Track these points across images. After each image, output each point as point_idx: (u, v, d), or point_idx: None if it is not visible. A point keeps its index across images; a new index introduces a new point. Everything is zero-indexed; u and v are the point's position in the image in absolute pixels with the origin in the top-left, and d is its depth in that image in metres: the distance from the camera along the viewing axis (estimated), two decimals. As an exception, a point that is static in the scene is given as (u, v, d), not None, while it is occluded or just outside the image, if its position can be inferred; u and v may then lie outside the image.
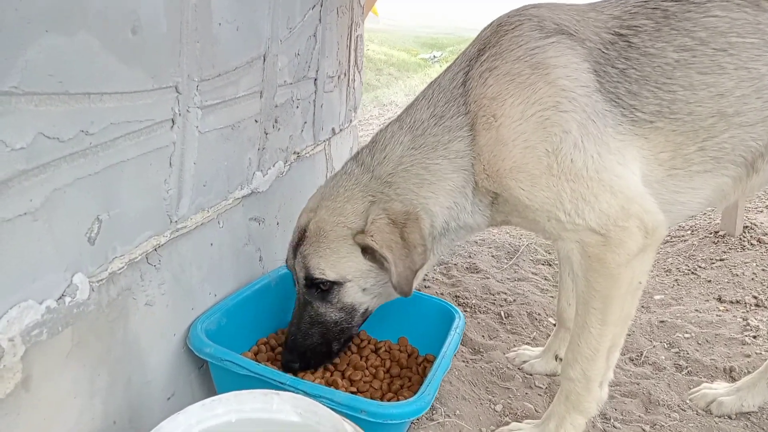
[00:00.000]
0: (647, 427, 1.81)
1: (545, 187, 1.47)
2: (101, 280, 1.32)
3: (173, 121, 1.51)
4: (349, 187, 1.67)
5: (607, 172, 1.44)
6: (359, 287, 1.69)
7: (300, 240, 1.70)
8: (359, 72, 3.32)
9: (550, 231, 1.54)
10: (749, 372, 1.99)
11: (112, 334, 1.40)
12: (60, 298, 1.19)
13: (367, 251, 1.62)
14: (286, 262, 1.79)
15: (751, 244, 2.98)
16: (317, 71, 2.51)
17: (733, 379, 2.03)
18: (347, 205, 1.65)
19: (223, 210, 1.85)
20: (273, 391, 1.39)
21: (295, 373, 1.70)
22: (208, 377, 1.79)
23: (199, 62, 1.60)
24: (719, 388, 1.96)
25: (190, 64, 1.56)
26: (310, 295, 1.72)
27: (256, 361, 1.76)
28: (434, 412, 1.83)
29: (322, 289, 1.68)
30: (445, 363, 1.67)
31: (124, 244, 1.39)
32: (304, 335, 1.74)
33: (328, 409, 1.32)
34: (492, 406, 1.92)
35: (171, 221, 1.57)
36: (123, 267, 1.39)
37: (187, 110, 1.57)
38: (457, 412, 1.84)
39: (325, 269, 1.64)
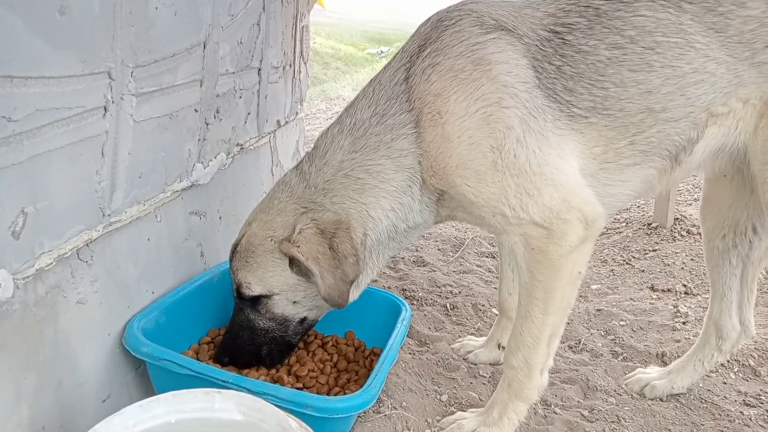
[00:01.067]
0: (586, 412, 1.88)
1: (491, 183, 1.49)
2: (27, 277, 1.24)
3: (105, 109, 1.43)
4: (283, 199, 1.66)
5: (548, 166, 1.48)
6: (288, 300, 1.70)
7: (233, 253, 1.72)
8: (305, 64, 3.26)
9: (495, 225, 1.56)
10: (679, 356, 2.09)
11: (40, 335, 1.32)
12: (-21, 296, 1.11)
13: (294, 263, 1.61)
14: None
15: (681, 235, 3.15)
16: (261, 61, 2.45)
17: (665, 364, 2.13)
18: (278, 218, 1.64)
19: (160, 203, 1.78)
20: (215, 389, 1.34)
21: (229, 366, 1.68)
22: (147, 378, 1.71)
23: (134, 47, 1.52)
24: (652, 372, 2.06)
25: (124, 48, 1.48)
26: (243, 304, 1.74)
27: (197, 359, 1.70)
28: (381, 404, 1.83)
29: (252, 300, 1.70)
30: (391, 355, 1.67)
31: (53, 239, 1.31)
32: (235, 337, 1.75)
33: (273, 406, 1.29)
34: (438, 396, 1.94)
35: (104, 215, 1.49)
36: (51, 263, 1.31)
37: (121, 98, 1.49)
38: (404, 403, 1.85)
39: (251, 283, 1.66)
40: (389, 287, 2.74)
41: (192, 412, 1.31)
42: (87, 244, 1.45)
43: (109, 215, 1.51)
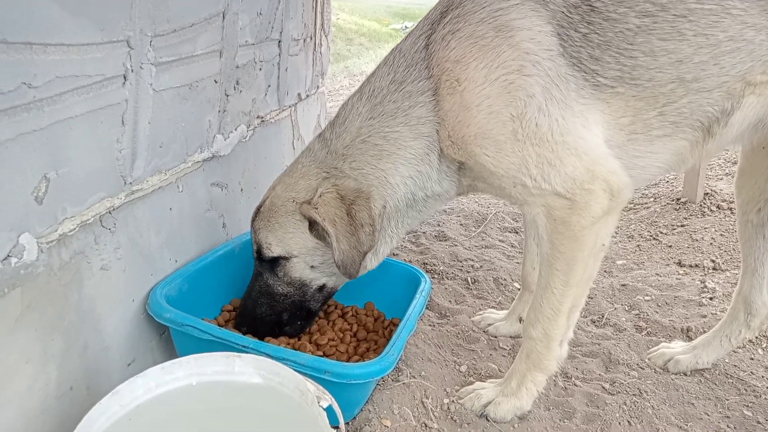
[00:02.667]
0: (607, 385, 1.86)
1: (511, 153, 1.45)
2: (51, 241, 1.27)
3: (125, 78, 1.44)
4: (306, 164, 1.67)
5: (571, 135, 1.44)
6: (306, 264, 1.71)
7: (255, 214, 1.74)
8: (326, 37, 3.23)
9: (515, 196, 1.53)
10: (705, 331, 2.05)
11: (65, 299, 1.35)
12: (5, 258, 1.14)
13: (313, 227, 1.62)
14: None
15: (711, 210, 3.06)
16: (281, 33, 2.44)
17: (690, 339, 2.09)
18: (301, 181, 1.66)
19: (182, 173, 1.80)
20: (235, 354, 1.37)
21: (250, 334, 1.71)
22: (170, 344, 1.75)
23: (153, 16, 1.52)
24: (676, 347, 2.02)
25: (142, 17, 1.48)
26: (262, 267, 1.76)
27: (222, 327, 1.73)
28: (400, 373, 1.84)
29: (271, 262, 1.71)
30: (410, 324, 1.68)
31: (75, 205, 1.33)
32: (254, 303, 1.77)
33: (291, 370, 1.31)
34: (457, 367, 1.94)
35: (125, 183, 1.51)
36: (74, 229, 1.34)
37: (140, 66, 1.50)
38: (423, 373, 1.85)
39: (272, 244, 1.68)
40: (410, 261, 2.74)
41: (213, 375, 1.34)
42: (109, 212, 1.48)
43: (130, 183, 1.53)
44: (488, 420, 1.67)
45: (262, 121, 2.37)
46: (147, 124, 1.56)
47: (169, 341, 1.75)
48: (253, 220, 1.73)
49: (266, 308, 1.76)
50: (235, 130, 2.11)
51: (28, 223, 1.19)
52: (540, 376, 1.67)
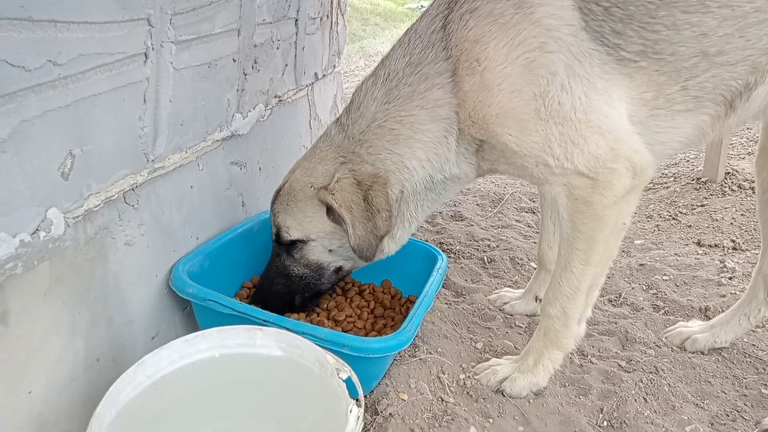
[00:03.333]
0: (623, 363, 1.87)
1: (533, 132, 1.44)
2: (77, 216, 1.30)
3: (146, 56, 1.46)
4: (324, 149, 1.68)
5: (595, 113, 1.42)
6: (324, 247, 1.73)
7: (275, 197, 1.76)
8: (342, 16, 3.21)
9: (537, 176, 1.52)
10: (723, 311, 2.04)
11: (91, 273, 1.39)
12: (34, 232, 1.17)
13: (330, 211, 1.63)
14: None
15: (732, 189, 3.02)
16: (298, 11, 2.43)
17: (708, 318, 2.08)
18: (319, 166, 1.67)
19: (202, 152, 1.82)
20: (256, 327, 1.40)
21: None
22: (192, 319, 1.79)
23: (173, -6, 1.53)
24: (694, 326, 2.01)
25: (162, -5, 1.49)
26: (280, 249, 1.79)
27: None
28: (417, 349, 1.86)
29: (289, 245, 1.74)
30: (426, 301, 1.69)
31: (100, 182, 1.36)
32: (270, 282, 1.81)
33: (311, 343, 1.34)
34: (473, 344, 1.96)
35: (148, 160, 1.54)
36: (99, 205, 1.37)
37: (161, 45, 1.51)
38: (439, 349, 1.88)
39: (290, 227, 1.70)
40: (427, 241, 2.75)
41: (235, 348, 1.38)
42: (133, 189, 1.51)
43: (152, 161, 1.56)
44: (503, 395, 1.69)
45: (280, 100, 2.38)
46: (168, 102, 1.58)
47: (191, 316, 1.79)
48: (273, 203, 1.76)
49: (282, 287, 1.79)
50: (254, 109, 2.12)
51: (55, 198, 1.22)
52: (557, 353, 1.68)
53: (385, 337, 1.49)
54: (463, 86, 1.49)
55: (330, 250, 1.75)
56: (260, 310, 1.59)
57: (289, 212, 1.70)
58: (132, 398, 1.25)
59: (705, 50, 1.41)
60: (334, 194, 1.57)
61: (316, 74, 2.81)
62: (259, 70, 2.13)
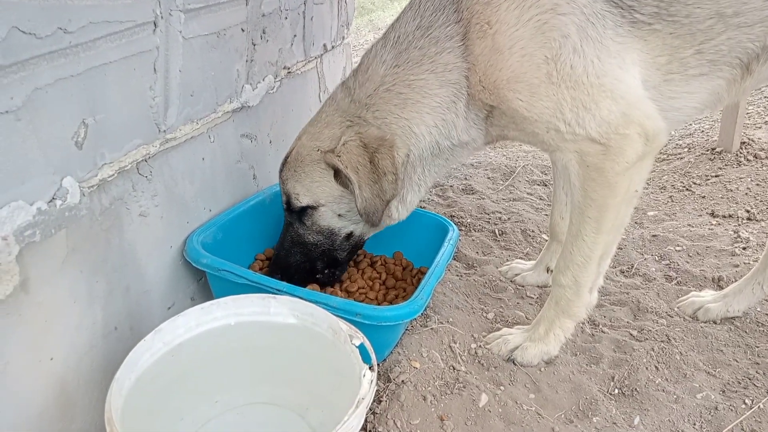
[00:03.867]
0: (635, 332, 1.87)
1: (545, 97, 1.41)
2: (92, 186, 1.31)
3: (155, 24, 1.45)
4: (330, 113, 1.67)
5: (607, 76, 1.39)
6: (333, 212, 1.72)
7: (283, 165, 1.74)
8: (351, -14, 3.16)
9: (548, 142, 1.50)
10: (737, 281, 2.03)
11: (107, 243, 1.40)
12: (51, 201, 1.18)
13: (338, 175, 1.63)
14: None
15: (748, 159, 2.97)
16: (306, -19, 2.39)
17: (721, 288, 2.07)
18: (325, 130, 1.65)
19: (212, 124, 1.81)
20: (270, 295, 1.41)
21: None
22: (208, 290, 1.81)
23: (180, -39, 1.51)
24: (706, 295, 2.01)
25: (170, -37, 1.47)
26: (291, 218, 1.78)
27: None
28: (428, 319, 1.87)
29: (300, 212, 1.73)
30: (438, 271, 1.70)
31: (113, 151, 1.37)
32: (286, 253, 1.80)
33: (324, 311, 1.36)
34: (484, 314, 1.97)
35: (159, 130, 1.54)
36: (113, 175, 1.38)
37: (170, 13, 1.50)
38: (450, 319, 1.89)
39: (299, 193, 1.70)
40: (437, 213, 2.75)
41: (249, 316, 1.40)
42: (146, 160, 1.51)
43: (164, 131, 1.56)
44: (515, 364, 1.71)
45: (289, 72, 2.36)
46: (178, 72, 1.57)
47: (207, 287, 1.81)
48: (281, 170, 1.75)
49: (298, 257, 1.79)
50: (263, 80, 2.11)
51: (70, 167, 1.23)
52: (568, 322, 1.69)
53: (398, 305, 1.50)
54: (474, 50, 1.47)
55: (339, 215, 1.74)
56: (274, 279, 1.60)
57: (297, 178, 1.69)
58: (150, 364, 1.28)
59: (721, 11, 1.37)
60: (340, 156, 1.57)
61: (324, 46, 2.78)
62: (267, 41, 2.11)
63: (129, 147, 1.42)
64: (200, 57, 1.67)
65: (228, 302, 1.39)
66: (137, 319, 1.55)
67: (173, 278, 1.69)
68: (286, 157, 1.75)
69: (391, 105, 1.58)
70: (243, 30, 1.91)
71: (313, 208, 1.72)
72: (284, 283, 1.58)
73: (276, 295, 1.40)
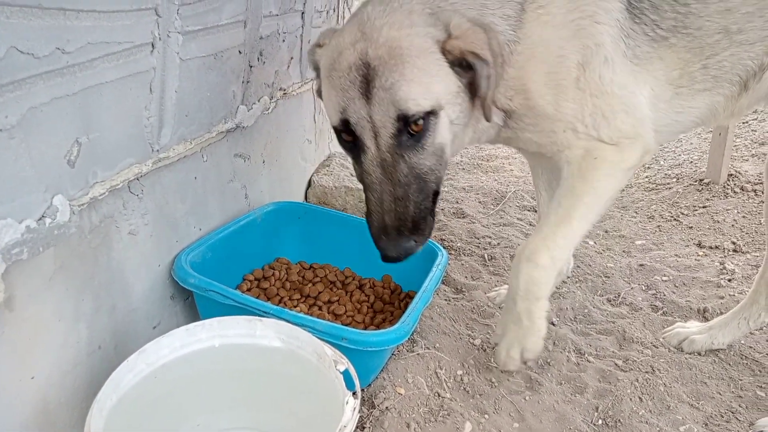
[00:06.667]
0: (620, 362, 1.88)
1: (571, 99, 1.46)
2: (82, 204, 1.31)
3: (153, 45, 1.47)
4: (405, 2, 1.40)
5: (626, 90, 1.46)
6: (448, 119, 1.41)
7: (368, 77, 1.32)
8: (349, 9, 3.22)
9: (561, 141, 1.53)
10: (722, 313, 2.04)
11: (95, 261, 1.40)
12: (40, 218, 1.18)
13: (457, 64, 1.36)
14: (348, 121, 1.38)
15: (734, 191, 3.02)
16: (305, 4, 2.43)
17: (706, 319, 2.09)
18: (412, 16, 1.36)
19: (206, 143, 1.83)
20: (256, 318, 1.41)
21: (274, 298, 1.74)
22: (194, 309, 1.81)
23: (180, -15, 1.54)
24: (692, 326, 2.02)
25: (170, -14, 1.50)
26: (401, 146, 1.37)
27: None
28: (415, 344, 1.87)
29: (413, 130, 1.36)
30: (425, 296, 1.71)
31: (105, 170, 1.37)
32: (402, 196, 1.39)
33: (309, 335, 1.36)
34: (471, 340, 1.97)
35: (153, 150, 1.55)
36: (104, 193, 1.38)
37: (168, 35, 1.52)
38: (437, 345, 1.89)
39: (418, 96, 1.32)
40: (428, 236, 2.76)
41: (235, 338, 1.39)
42: (137, 178, 1.52)
43: (157, 151, 1.57)
44: None
45: (285, 93, 2.39)
46: (174, 92, 1.59)
47: (194, 306, 1.80)
48: (368, 86, 1.32)
49: (417, 197, 1.40)
50: (258, 101, 2.13)
51: (61, 185, 1.23)
52: (543, 301, 1.61)
53: (383, 330, 1.51)
54: (525, 25, 1.45)
55: (451, 122, 1.42)
56: (261, 301, 1.60)
57: (410, 77, 1.31)
58: (133, 385, 1.27)
59: (728, 27, 1.46)
60: (466, 39, 1.33)
61: (321, 68, 2.81)
62: (264, 62, 2.14)
63: (121, 166, 1.43)
64: (197, 78, 1.69)
65: (213, 324, 1.39)
66: (122, 337, 1.54)
67: (161, 297, 1.69)
68: (367, 66, 1.32)
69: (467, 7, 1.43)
70: (240, 52, 1.93)
71: (434, 114, 1.37)
72: (271, 305, 1.58)
73: (262, 318, 1.40)
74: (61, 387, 1.31)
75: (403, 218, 1.39)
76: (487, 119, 1.44)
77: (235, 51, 1.90)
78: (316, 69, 1.60)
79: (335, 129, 1.45)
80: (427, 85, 1.34)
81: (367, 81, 1.33)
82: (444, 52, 1.35)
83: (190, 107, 1.69)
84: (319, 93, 1.62)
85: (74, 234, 1.30)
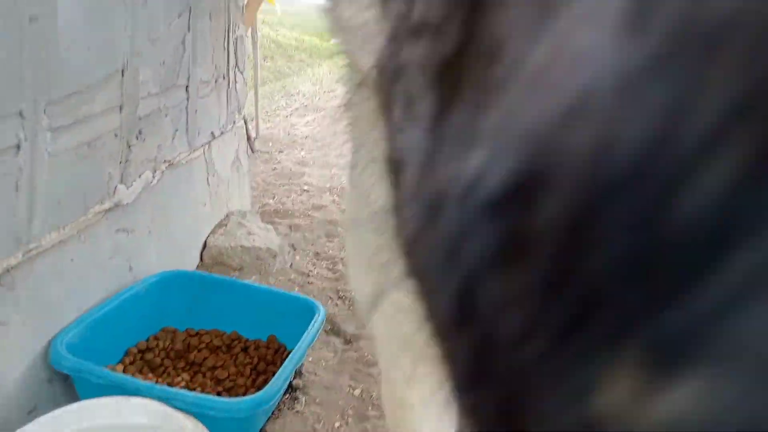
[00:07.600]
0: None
1: None
2: (-58, 307, 1.38)
3: (18, 147, 1.56)
4: None
5: None
6: None
7: None
8: (241, 73, 3.38)
9: None
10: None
11: (-40, 356, 1.46)
12: None
13: None
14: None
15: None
16: (188, 78, 2.57)
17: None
18: None
19: (83, 225, 1.91)
20: (124, 397, 1.51)
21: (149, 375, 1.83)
22: (73, 390, 1.86)
23: (46, 84, 1.64)
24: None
25: (35, 88, 1.60)
26: None
27: (126, 370, 1.87)
28: (296, 402, 2.01)
29: None
30: (298, 356, 1.85)
31: (-33, 271, 1.44)
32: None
33: (174, 411, 1.47)
34: (352, 391, 2.13)
35: (23, 242, 1.63)
36: (-32, 292, 1.45)
37: (35, 135, 1.62)
38: (318, 400, 2.03)
39: None
40: (323, 288, 2.91)
41: (101, 419, 1.48)
42: (8, 271, 1.59)
43: (26, 242, 1.65)
44: None
45: (170, 164, 2.50)
46: (43, 186, 1.68)
47: (74, 388, 1.86)
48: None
49: None
50: (139, 177, 2.23)
51: None
52: None
53: (249, 397, 1.63)
54: None
55: None
56: (133, 378, 1.69)
57: None
58: (-2, 476, 1.33)
59: None
60: None
61: (212, 133, 2.95)
62: (145, 140, 2.25)
63: (-15, 263, 1.50)
64: (69, 168, 1.79)
65: (81, 407, 1.47)
66: (-5, 426, 1.58)
67: (37, 381, 1.74)
68: None
69: None
70: (116, 135, 2.04)
71: None
72: (143, 382, 1.67)
73: (130, 397, 1.50)
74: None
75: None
76: None
77: (111, 135, 2.01)
78: None
79: None
80: None
81: None
82: None
83: (61, 195, 1.77)
84: None
85: (-66, 336, 1.36)
